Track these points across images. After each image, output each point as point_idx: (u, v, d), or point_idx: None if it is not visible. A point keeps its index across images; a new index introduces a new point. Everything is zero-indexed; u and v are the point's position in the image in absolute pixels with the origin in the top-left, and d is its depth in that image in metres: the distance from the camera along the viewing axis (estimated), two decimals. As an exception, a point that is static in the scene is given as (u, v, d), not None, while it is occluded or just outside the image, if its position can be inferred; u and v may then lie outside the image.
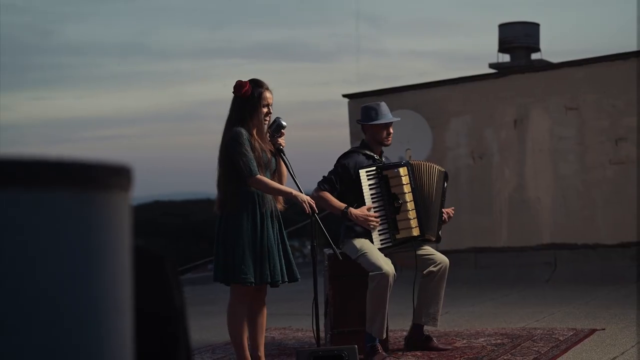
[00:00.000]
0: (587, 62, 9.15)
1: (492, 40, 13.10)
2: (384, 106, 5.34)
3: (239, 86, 4.60)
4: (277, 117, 4.65)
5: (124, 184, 1.26)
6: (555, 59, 10.22)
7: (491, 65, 12.44)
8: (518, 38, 12.41)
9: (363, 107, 5.40)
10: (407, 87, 10.13)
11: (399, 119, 5.50)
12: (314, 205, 4.55)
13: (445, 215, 5.44)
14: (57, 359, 1.01)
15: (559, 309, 6.89)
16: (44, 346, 0.99)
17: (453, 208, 5.60)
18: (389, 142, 5.34)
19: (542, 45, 12.81)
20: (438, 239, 5.43)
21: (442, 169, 5.49)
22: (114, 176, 1.23)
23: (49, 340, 1.00)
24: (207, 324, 7.09)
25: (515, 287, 8.61)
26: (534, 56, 12.99)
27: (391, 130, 5.33)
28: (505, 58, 13.11)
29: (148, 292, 1.41)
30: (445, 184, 5.47)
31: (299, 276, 4.61)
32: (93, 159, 1.18)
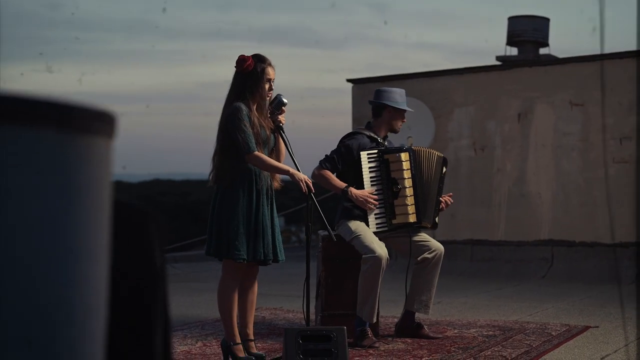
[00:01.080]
0: (594, 58, 9.06)
1: (501, 34, 12.98)
2: (402, 92, 5.33)
3: (241, 60, 4.51)
4: (278, 94, 4.58)
5: (106, 130, 1.19)
6: (563, 56, 10.10)
7: (498, 58, 12.34)
8: (526, 32, 12.31)
9: (383, 89, 5.35)
10: (413, 75, 10.04)
11: (413, 110, 5.47)
12: (311, 185, 4.48)
13: (443, 203, 5.38)
14: (27, 297, 0.95)
15: (553, 305, 6.83)
16: (14, 282, 0.94)
17: (451, 194, 5.53)
18: (398, 130, 5.31)
19: (551, 41, 12.70)
20: (434, 226, 5.37)
21: (441, 155, 5.44)
22: (96, 121, 1.17)
23: (18, 279, 0.94)
24: (198, 300, 7.05)
25: (510, 281, 8.56)
26: (542, 51, 12.89)
27: (405, 120, 5.32)
28: (513, 52, 13.01)
29: (127, 249, 1.35)
30: (444, 169, 5.41)
31: (283, 257, 4.55)
32: (76, 100, 1.12)
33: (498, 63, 10.79)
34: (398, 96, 5.28)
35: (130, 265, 1.35)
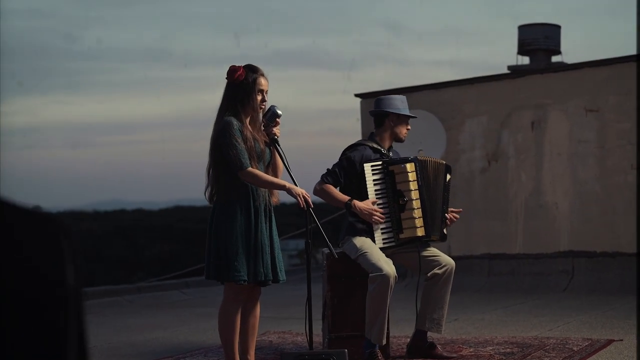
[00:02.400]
0: (608, 62, 8.78)
1: (513, 45, 12.76)
2: (404, 99, 5.07)
3: (232, 71, 4.30)
4: (272, 105, 4.35)
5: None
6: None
7: (510, 68, 12.09)
8: (537, 40, 12.07)
9: (383, 97, 5.10)
10: (421, 87, 9.80)
11: (417, 117, 5.20)
12: (309, 200, 4.24)
13: (448, 220, 5.08)
14: None
15: (575, 318, 6.53)
16: None
17: (460, 210, 5.24)
18: (404, 139, 5.05)
19: (563, 48, 12.44)
20: (442, 238, 5.09)
21: (443, 162, 5.15)
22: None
23: None
24: (205, 326, 6.81)
25: (530, 295, 8.25)
26: (555, 59, 12.62)
27: (409, 127, 5.06)
28: (525, 61, 12.76)
29: (34, 262, 1.11)
30: (449, 177, 5.13)
31: (284, 277, 4.31)
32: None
33: (509, 72, 10.53)
34: (399, 102, 5.04)
35: (37, 281, 1.11)
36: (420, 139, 9.02)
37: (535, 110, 9.05)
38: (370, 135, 5.13)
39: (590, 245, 8.68)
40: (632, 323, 6.09)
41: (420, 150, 8.39)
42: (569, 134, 8.86)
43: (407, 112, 5.02)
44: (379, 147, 5.01)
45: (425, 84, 9.79)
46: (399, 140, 5.06)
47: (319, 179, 4.96)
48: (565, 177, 8.86)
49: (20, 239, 1.06)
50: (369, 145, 5.02)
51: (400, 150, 5.39)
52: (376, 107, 5.08)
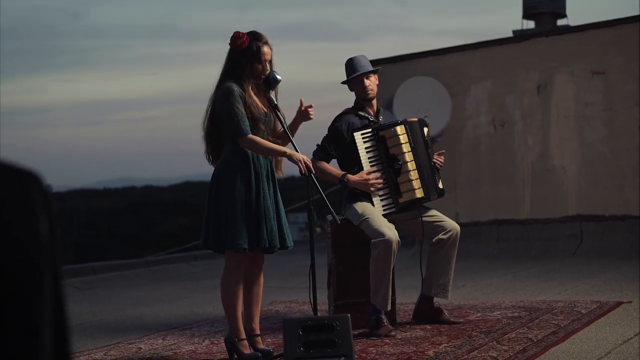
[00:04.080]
0: (613, 23, 8.64)
1: (518, 10, 12.58)
2: (359, 58, 4.95)
3: (235, 37, 4.22)
4: (272, 71, 4.28)
5: None
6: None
7: (515, 32, 11.97)
8: (543, 3, 11.91)
9: (345, 66, 5.02)
10: (426, 53, 9.68)
11: (378, 68, 5.06)
12: (310, 165, 4.18)
13: (438, 164, 5.02)
14: None
15: (584, 282, 6.48)
16: None
17: (442, 151, 5.16)
18: (369, 94, 4.92)
19: (568, 11, 12.29)
20: (441, 193, 5.03)
21: (416, 119, 5.04)
22: None
23: None
24: (211, 297, 6.79)
25: (538, 260, 8.20)
26: (560, 22, 12.46)
27: (367, 83, 4.89)
28: (530, 25, 12.60)
29: (4, 214, 1.06)
30: (426, 131, 5.04)
31: (291, 244, 4.25)
32: None
33: (513, 36, 10.41)
34: (349, 67, 4.93)
35: (9, 232, 1.06)
36: (425, 106, 8.93)
37: (540, 73, 8.93)
38: (354, 102, 5.05)
39: (599, 209, 8.61)
40: (642, 285, 6.03)
41: (426, 116, 8.30)
42: (575, 97, 8.75)
43: (353, 74, 4.89)
44: (365, 114, 4.94)
45: (429, 50, 9.68)
46: (364, 99, 4.95)
47: (311, 155, 4.88)
48: (573, 140, 8.77)
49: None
50: (353, 113, 4.95)
51: (405, 117, 5.29)
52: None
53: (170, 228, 39.12)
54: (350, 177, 4.80)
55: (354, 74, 4.90)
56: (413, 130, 4.93)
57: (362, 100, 4.95)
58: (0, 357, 0.99)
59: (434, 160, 5.01)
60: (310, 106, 4.35)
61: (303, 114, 4.34)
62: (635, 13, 8.74)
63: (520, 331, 4.48)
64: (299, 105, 4.37)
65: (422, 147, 4.95)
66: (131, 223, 42.19)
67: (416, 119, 5.03)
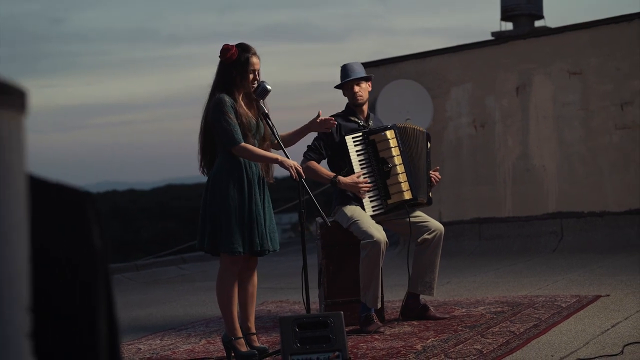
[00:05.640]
0: (589, 25, 8.90)
1: (496, 11, 12.79)
2: (352, 65, 5.20)
3: (224, 50, 4.41)
4: (262, 81, 4.47)
5: (11, 102, 1.10)
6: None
7: (493, 34, 12.19)
8: (520, 5, 12.16)
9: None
10: (407, 57, 9.91)
11: (370, 75, 5.30)
12: (301, 171, 4.38)
13: (433, 178, 5.28)
14: None
15: (564, 277, 6.71)
16: None
17: (437, 168, 5.42)
18: (359, 100, 5.16)
19: (545, 12, 12.56)
20: (429, 201, 5.27)
21: (423, 130, 5.32)
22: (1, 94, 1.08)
23: None
24: (204, 298, 6.97)
25: (520, 257, 8.43)
26: (538, 23, 12.72)
27: (357, 89, 5.13)
28: (509, 27, 12.85)
29: (65, 227, 1.25)
30: (429, 144, 5.31)
31: (277, 247, 4.46)
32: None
33: (493, 38, 10.65)
34: (342, 73, 5.20)
35: (67, 243, 1.25)
36: (407, 108, 9.15)
37: (519, 75, 9.18)
38: (345, 106, 5.28)
39: (578, 206, 8.86)
40: (620, 279, 6.27)
41: (408, 119, 8.53)
42: (553, 97, 9.00)
43: (345, 80, 5.15)
44: (355, 119, 5.17)
45: (410, 54, 9.90)
46: (354, 104, 5.19)
47: (302, 157, 5.10)
48: (552, 139, 9.02)
49: (52, 208, 1.19)
50: (342, 116, 5.17)
51: (388, 119, 5.53)
52: None
53: (156, 232, 39.12)
54: (342, 178, 5.01)
55: (345, 80, 5.13)
56: (404, 135, 5.14)
57: (353, 105, 5.17)
58: (67, 341, 1.18)
59: (432, 174, 5.24)
60: (332, 119, 4.59)
61: (319, 125, 4.56)
62: (611, 15, 8.99)
63: (503, 325, 4.70)
64: (315, 115, 4.58)
65: (416, 154, 5.16)
66: (116, 228, 42.15)
67: (420, 130, 5.27)
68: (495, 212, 9.29)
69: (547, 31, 9.74)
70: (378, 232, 4.81)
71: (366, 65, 9.79)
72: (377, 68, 9.85)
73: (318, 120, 4.58)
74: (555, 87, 8.98)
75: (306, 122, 4.67)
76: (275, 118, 4.53)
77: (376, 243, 4.76)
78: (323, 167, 5.12)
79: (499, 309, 5.27)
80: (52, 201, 1.22)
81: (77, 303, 1.21)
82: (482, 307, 5.37)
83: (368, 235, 4.80)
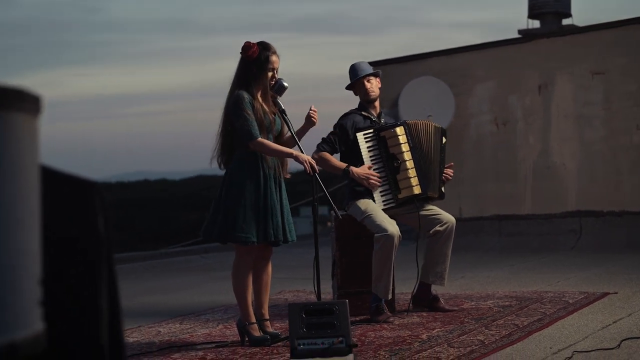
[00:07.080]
0: (614, 25, 8.97)
1: (524, 9, 12.87)
2: (359, 64, 5.38)
3: (246, 47, 4.60)
4: (279, 78, 4.66)
5: (26, 107, 1.29)
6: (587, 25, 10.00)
7: (520, 32, 12.27)
8: (548, 3, 12.21)
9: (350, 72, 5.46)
10: (431, 54, 10.04)
11: (378, 71, 5.47)
12: (315, 165, 4.56)
13: (445, 174, 5.42)
14: None
15: (576, 274, 6.83)
16: None
17: (452, 164, 5.55)
18: (371, 95, 5.33)
19: (573, 11, 12.58)
20: (441, 196, 5.42)
21: (439, 126, 5.47)
22: (15, 99, 1.26)
23: None
24: (225, 286, 7.17)
25: (538, 255, 8.54)
26: (565, 22, 12.76)
27: (368, 85, 5.30)
28: (536, 24, 12.91)
29: (71, 217, 1.45)
30: (444, 140, 5.45)
31: (294, 237, 4.65)
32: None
33: (518, 36, 10.73)
34: (351, 72, 5.36)
35: (75, 228, 1.45)
36: (429, 105, 9.29)
37: (542, 73, 9.27)
38: (359, 104, 5.45)
39: (598, 205, 8.95)
40: (630, 277, 6.37)
41: (430, 116, 8.67)
42: (575, 97, 9.09)
43: (355, 78, 5.31)
44: (368, 115, 5.34)
45: (436, 51, 10.04)
46: (367, 100, 5.35)
47: (315, 148, 5.29)
48: (573, 138, 9.11)
49: (63, 197, 1.39)
50: (358, 113, 5.35)
51: (410, 116, 5.70)
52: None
53: (186, 222, 39.49)
54: (354, 169, 5.19)
55: (356, 77, 5.30)
56: (414, 131, 5.30)
57: (365, 102, 5.35)
58: (72, 311, 1.38)
59: (445, 172, 5.38)
60: (314, 111, 4.75)
61: (308, 118, 4.74)
62: (637, 14, 9.05)
63: (509, 318, 4.85)
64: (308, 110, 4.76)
65: (427, 149, 5.30)
66: (147, 218, 42.56)
67: (434, 125, 5.40)
68: (515, 210, 9.41)
69: (572, 30, 9.83)
70: (392, 226, 4.99)
71: (390, 62, 9.97)
72: (403, 64, 10.00)
73: (308, 113, 4.74)
74: (577, 86, 9.06)
75: (332, 116, 4.83)
76: (302, 110, 4.72)
77: (389, 237, 4.93)
78: (335, 159, 5.30)
79: (507, 303, 5.42)
80: (64, 191, 1.41)
81: (81, 280, 1.40)
82: (491, 301, 5.52)
83: (382, 229, 4.97)
